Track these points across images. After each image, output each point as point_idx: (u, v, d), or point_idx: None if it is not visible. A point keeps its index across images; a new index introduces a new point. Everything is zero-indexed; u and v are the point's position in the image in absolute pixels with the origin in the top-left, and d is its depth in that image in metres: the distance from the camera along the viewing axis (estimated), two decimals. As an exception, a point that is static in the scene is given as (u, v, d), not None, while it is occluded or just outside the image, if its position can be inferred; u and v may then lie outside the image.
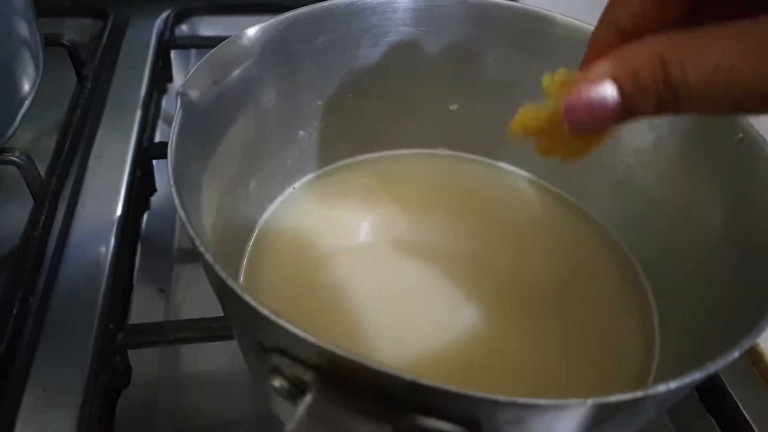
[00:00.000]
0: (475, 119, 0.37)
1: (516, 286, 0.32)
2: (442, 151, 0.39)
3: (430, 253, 0.33)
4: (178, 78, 0.53)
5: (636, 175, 0.34)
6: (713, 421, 0.32)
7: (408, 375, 0.17)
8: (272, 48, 0.30)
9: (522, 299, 0.31)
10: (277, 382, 0.19)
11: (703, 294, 0.28)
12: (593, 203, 0.36)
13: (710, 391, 0.32)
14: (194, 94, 0.26)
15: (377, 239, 0.34)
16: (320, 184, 0.36)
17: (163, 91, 0.52)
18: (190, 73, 0.26)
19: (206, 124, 0.27)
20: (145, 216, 0.42)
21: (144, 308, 0.37)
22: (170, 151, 0.23)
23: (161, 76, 0.52)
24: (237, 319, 0.22)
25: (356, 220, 0.35)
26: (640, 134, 0.33)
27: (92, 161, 0.43)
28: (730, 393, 0.32)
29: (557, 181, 0.37)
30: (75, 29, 0.53)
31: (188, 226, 0.21)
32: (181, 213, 0.20)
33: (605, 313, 0.32)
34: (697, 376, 0.19)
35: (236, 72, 0.29)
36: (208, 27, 0.59)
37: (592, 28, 0.31)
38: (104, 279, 0.35)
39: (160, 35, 0.54)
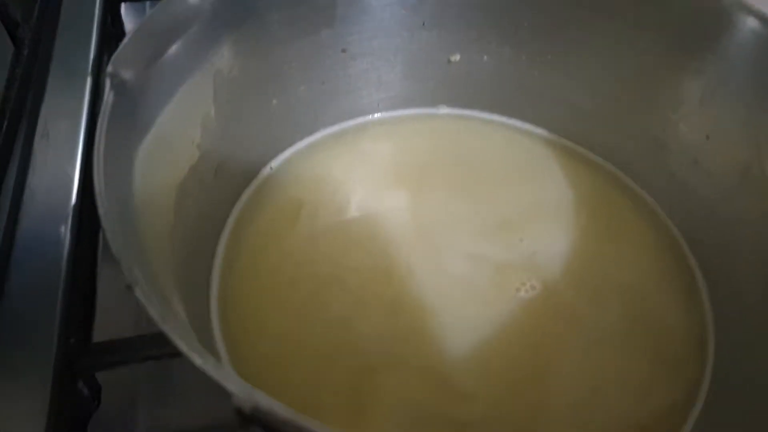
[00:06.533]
0: (481, 71, 0.32)
1: (539, 269, 0.27)
2: (444, 110, 0.34)
3: (432, 231, 0.29)
4: (133, 34, 0.46)
5: (677, 130, 0.28)
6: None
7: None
8: (228, 3, 0.24)
9: (550, 283, 0.27)
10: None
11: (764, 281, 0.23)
12: (626, 165, 0.31)
13: None
14: (128, 74, 0.20)
15: (370, 217, 0.29)
16: (301, 159, 0.31)
17: (116, 51, 0.45)
18: (119, 48, 0.20)
19: (148, 109, 0.22)
20: (106, 202, 0.37)
21: (110, 311, 0.32)
22: (97, 160, 0.17)
23: (112, 35, 0.45)
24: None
25: (345, 196, 0.30)
26: (682, 82, 0.28)
27: (38, 142, 0.37)
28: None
29: (581, 139, 0.32)
30: (6, -18, 0.45)
31: (131, 276, 0.15)
32: (123, 260, 0.15)
33: (645, 292, 0.27)
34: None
35: (183, 39, 0.23)
36: (162, -30, 0.51)
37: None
38: (61, 284, 0.31)
39: (107, -16, 0.47)
